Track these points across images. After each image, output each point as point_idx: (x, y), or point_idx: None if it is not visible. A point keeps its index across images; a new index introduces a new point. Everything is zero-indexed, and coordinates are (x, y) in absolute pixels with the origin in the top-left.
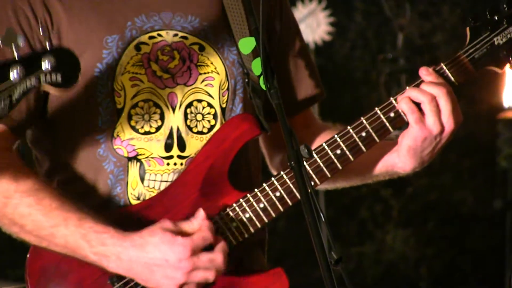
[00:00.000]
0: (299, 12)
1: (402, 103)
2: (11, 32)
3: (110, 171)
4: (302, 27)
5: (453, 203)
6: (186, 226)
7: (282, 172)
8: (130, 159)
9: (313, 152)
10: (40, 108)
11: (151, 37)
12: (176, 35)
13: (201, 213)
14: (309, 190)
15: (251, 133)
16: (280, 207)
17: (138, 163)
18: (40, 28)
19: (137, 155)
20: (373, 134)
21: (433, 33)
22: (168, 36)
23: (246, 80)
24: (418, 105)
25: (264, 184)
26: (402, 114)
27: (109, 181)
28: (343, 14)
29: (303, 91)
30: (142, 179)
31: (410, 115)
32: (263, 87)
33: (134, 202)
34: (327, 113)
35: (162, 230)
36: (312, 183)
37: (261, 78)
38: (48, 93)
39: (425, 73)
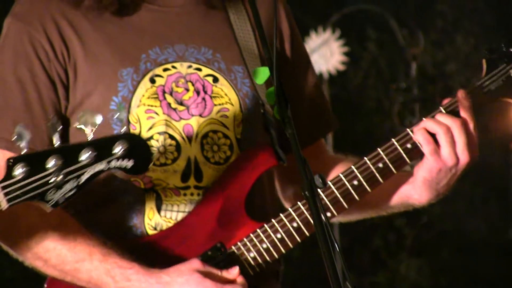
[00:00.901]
0: (312, 42)
1: (418, 134)
2: (88, 112)
3: (126, 202)
4: (316, 56)
5: (467, 232)
6: (216, 270)
7: (299, 203)
8: (146, 190)
9: (330, 182)
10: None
11: (165, 69)
12: (190, 66)
13: (236, 270)
14: (324, 220)
15: (268, 164)
16: (297, 237)
17: (155, 194)
18: (58, 61)
19: (154, 186)
20: (390, 165)
21: (446, 62)
22: (182, 68)
23: (262, 111)
24: (434, 136)
25: (281, 215)
26: (419, 145)
27: (125, 212)
28: (356, 43)
29: (315, 122)
30: (159, 210)
31: (426, 146)
32: (277, 116)
33: (151, 232)
34: (340, 142)
35: (191, 271)
36: (329, 214)
37: (275, 107)
38: (69, 127)
39: (462, 96)
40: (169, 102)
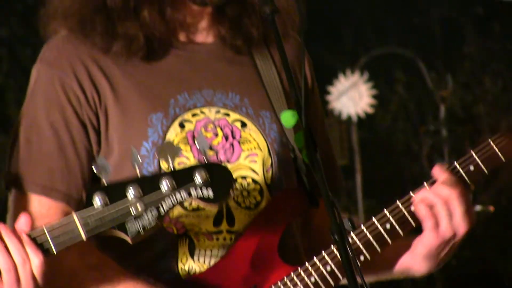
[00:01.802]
0: (341, 85)
1: (419, 207)
2: (168, 144)
3: (160, 248)
4: (344, 99)
5: (497, 275)
6: None
7: (332, 246)
8: (179, 235)
9: (363, 226)
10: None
11: (194, 115)
12: (218, 112)
13: None
14: (353, 263)
15: (300, 208)
16: (331, 281)
17: (187, 239)
18: (89, 105)
19: (187, 231)
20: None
21: (474, 104)
22: (210, 113)
23: (292, 156)
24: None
25: (315, 258)
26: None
27: (159, 258)
28: (385, 86)
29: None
30: (192, 255)
31: (426, 222)
32: (306, 160)
33: (185, 277)
34: (369, 185)
35: None
36: (362, 257)
37: (304, 151)
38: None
39: (439, 171)
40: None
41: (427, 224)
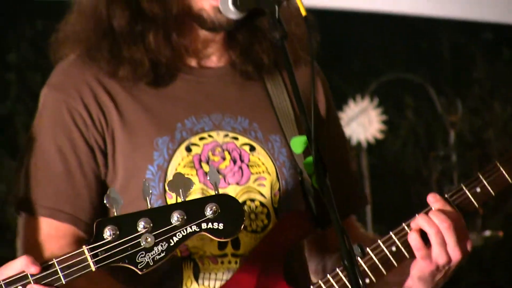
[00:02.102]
0: (351, 110)
1: (411, 237)
2: (180, 177)
3: (164, 271)
4: (354, 125)
5: None
6: None
7: (337, 269)
8: (184, 258)
9: (369, 249)
10: (101, 207)
11: (201, 138)
12: (226, 135)
13: None
14: None
15: (305, 232)
16: None
17: (192, 262)
18: (96, 128)
19: (191, 254)
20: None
21: (484, 130)
22: (218, 136)
23: (300, 179)
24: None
25: (320, 281)
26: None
27: (164, 280)
28: (394, 111)
29: (347, 198)
30: (196, 278)
31: (417, 252)
32: (316, 186)
33: None
34: (378, 210)
35: None
36: (368, 280)
37: (314, 177)
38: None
39: (432, 200)
40: (206, 171)
41: (418, 254)
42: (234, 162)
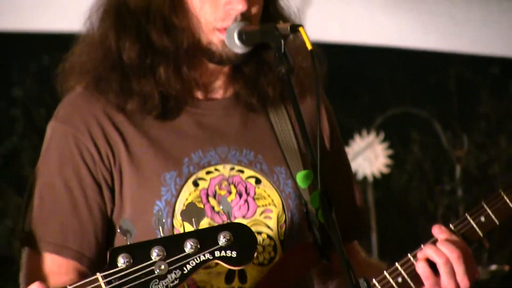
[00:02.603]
0: (357, 145)
1: (419, 266)
2: (193, 206)
3: None
4: (360, 159)
5: None
6: None
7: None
8: None
9: (375, 280)
10: (105, 243)
11: (208, 172)
12: (232, 168)
13: None
14: None
15: (311, 264)
16: None
17: None
18: (103, 163)
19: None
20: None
21: (490, 164)
22: (225, 170)
23: (305, 210)
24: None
25: None
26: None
27: None
28: (400, 146)
29: (350, 224)
30: None
31: (426, 281)
32: (322, 220)
33: None
34: (384, 244)
35: None
36: None
37: (319, 211)
38: (115, 232)
39: (438, 231)
40: (213, 205)
41: (427, 283)
42: (240, 195)
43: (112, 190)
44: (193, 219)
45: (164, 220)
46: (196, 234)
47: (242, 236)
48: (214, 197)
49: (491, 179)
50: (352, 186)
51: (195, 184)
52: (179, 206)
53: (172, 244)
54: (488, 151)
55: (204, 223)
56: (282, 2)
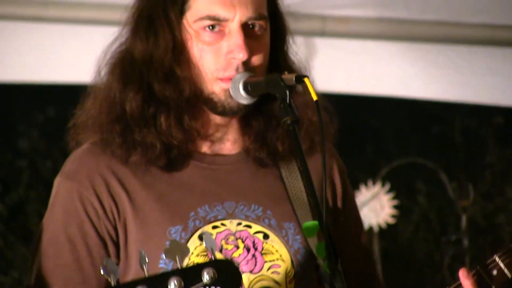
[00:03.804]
0: (362, 196)
1: None
2: (176, 244)
3: None
4: (366, 210)
5: None
6: None
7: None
8: None
9: None
10: None
11: (214, 227)
12: (239, 224)
13: None
14: None
15: None
16: None
17: None
18: (107, 218)
19: None
20: None
21: (496, 214)
22: (231, 225)
23: (315, 265)
24: None
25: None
26: None
27: None
28: (406, 196)
29: (363, 283)
30: None
31: None
32: (327, 270)
33: None
34: None
35: None
36: None
37: (325, 262)
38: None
39: (464, 277)
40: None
41: None
42: (248, 250)
43: (117, 245)
44: (177, 257)
45: (147, 260)
46: (180, 272)
47: (226, 273)
48: (221, 251)
49: (497, 228)
50: (366, 245)
51: (201, 238)
52: (185, 260)
53: (156, 283)
54: (494, 201)
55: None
56: (293, 56)
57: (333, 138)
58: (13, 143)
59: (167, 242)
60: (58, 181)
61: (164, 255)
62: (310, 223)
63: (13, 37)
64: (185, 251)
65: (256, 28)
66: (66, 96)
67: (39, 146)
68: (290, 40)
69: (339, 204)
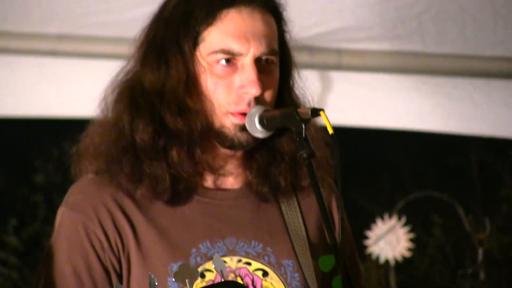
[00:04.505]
0: (378, 229)
1: None
2: (186, 267)
3: None
4: (382, 243)
5: None
6: None
7: None
8: None
9: None
10: None
11: None
12: (240, 260)
13: None
14: None
15: None
16: None
17: None
18: (112, 251)
19: None
20: None
21: None
22: (232, 262)
23: None
24: None
25: None
26: None
27: None
28: (422, 229)
29: None
30: None
31: None
32: None
33: None
34: None
35: None
36: None
37: None
38: None
39: None
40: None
41: None
42: None
43: (120, 277)
44: (187, 280)
45: (156, 284)
46: None
47: None
48: None
49: None
50: (358, 265)
51: (202, 275)
52: None
53: None
54: (511, 234)
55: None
56: (297, 91)
57: (333, 174)
58: (29, 177)
59: (174, 267)
60: (62, 212)
61: (173, 279)
62: (326, 256)
63: (28, 71)
64: (194, 275)
65: (268, 63)
66: (82, 130)
67: (55, 180)
68: (295, 73)
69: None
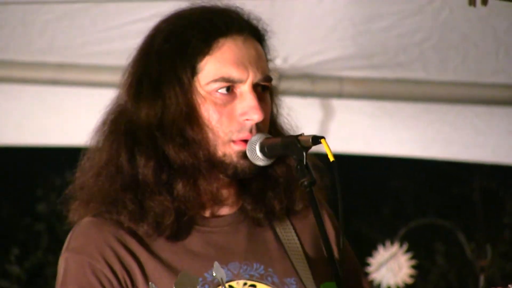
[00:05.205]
0: (380, 256)
1: None
2: (186, 275)
3: None
4: (384, 270)
5: None
6: None
7: None
8: None
9: None
10: None
11: None
12: (245, 284)
13: None
14: None
15: None
16: None
17: None
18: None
19: None
20: None
21: None
22: (238, 286)
23: None
24: None
25: None
26: None
27: None
28: (424, 256)
29: None
30: None
31: None
32: None
33: None
34: None
35: None
36: None
37: None
38: None
39: None
40: None
41: None
42: None
43: None
44: None
45: None
46: None
47: None
48: None
49: None
50: (364, 282)
51: None
52: None
53: None
54: None
55: None
56: (281, 120)
57: (326, 196)
58: (31, 206)
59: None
60: (65, 257)
61: (175, 287)
62: (328, 284)
63: (30, 100)
64: (195, 282)
65: (263, 91)
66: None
67: (57, 210)
68: (277, 99)
69: (334, 248)
